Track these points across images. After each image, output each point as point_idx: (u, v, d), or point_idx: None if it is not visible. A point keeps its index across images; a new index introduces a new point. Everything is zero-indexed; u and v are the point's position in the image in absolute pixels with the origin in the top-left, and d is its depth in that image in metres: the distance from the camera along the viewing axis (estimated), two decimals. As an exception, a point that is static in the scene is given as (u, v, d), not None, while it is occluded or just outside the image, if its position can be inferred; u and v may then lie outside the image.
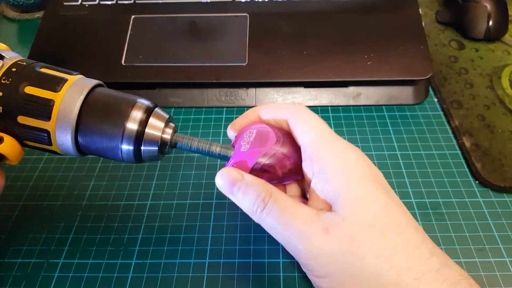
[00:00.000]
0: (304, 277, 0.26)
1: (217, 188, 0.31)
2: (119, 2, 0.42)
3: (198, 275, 0.26)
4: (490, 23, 0.43)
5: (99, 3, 0.42)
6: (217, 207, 0.30)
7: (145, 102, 0.22)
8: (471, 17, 0.43)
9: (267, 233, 0.28)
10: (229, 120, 0.37)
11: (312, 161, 0.22)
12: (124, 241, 0.28)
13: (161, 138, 0.22)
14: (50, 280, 0.26)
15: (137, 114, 0.21)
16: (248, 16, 0.40)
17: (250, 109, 0.26)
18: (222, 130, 0.36)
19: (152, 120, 0.22)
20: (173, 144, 0.23)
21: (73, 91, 0.21)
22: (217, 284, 0.26)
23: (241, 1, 0.41)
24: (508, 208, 0.29)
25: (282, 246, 0.27)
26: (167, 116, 0.23)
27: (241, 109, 0.38)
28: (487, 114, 0.36)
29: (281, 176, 0.24)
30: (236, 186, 0.23)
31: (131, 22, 0.40)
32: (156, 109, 0.23)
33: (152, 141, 0.22)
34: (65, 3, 0.42)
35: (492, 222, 0.28)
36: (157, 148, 0.22)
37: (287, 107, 0.25)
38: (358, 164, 0.22)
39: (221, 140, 0.35)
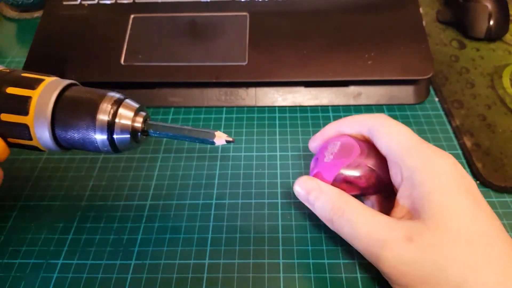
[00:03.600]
0: (304, 278, 0.26)
1: (216, 189, 0.31)
2: (118, 1, 0.42)
3: (197, 276, 0.26)
4: (491, 22, 0.42)
5: (98, 2, 0.42)
6: (217, 208, 0.30)
7: (115, 94, 0.24)
8: (472, 16, 0.43)
9: (266, 234, 0.28)
10: (229, 120, 0.37)
11: (401, 167, 0.22)
12: (123, 241, 0.28)
13: (132, 126, 0.24)
14: (49, 280, 0.26)
15: (107, 106, 0.23)
16: (248, 15, 0.40)
17: (331, 123, 0.27)
18: (222, 130, 0.36)
19: (121, 110, 0.23)
20: (145, 132, 0.24)
21: (48, 88, 0.23)
22: (216, 285, 0.25)
23: (241, 0, 0.41)
24: (509, 209, 0.29)
25: (281, 247, 0.27)
26: (137, 105, 0.24)
27: (241, 109, 0.38)
28: (488, 113, 0.36)
29: (365, 187, 0.24)
30: (311, 194, 0.23)
31: (130, 21, 0.40)
32: (126, 100, 0.24)
33: (123, 129, 0.23)
34: (64, 3, 0.42)
35: (493, 222, 0.28)
36: (129, 136, 0.24)
37: (368, 117, 0.25)
38: (448, 171, 0.21)
39: (221, 140, 0.35)
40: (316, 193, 0.23)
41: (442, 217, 0.20)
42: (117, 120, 0.23)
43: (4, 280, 0.26)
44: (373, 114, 0.25)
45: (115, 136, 0.23)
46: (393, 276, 0.21)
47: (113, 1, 0.42)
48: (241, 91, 0.38)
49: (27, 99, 0.23)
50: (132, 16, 0.40)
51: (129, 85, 0.38)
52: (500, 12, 0.43)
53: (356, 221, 0.22)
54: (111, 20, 0.40)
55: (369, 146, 0.25)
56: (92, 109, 0.23)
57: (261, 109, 0.38)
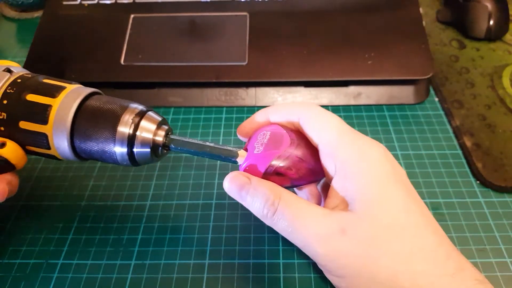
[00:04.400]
0: (304, 278, 0.26)
1: (217, 189, 0.31)
2: (118, 1, 0.42)
3: (197, 276, 0.26)
4: (491, 22, 0.42)
5: (98, 2, 0.42)
6: (217, 208, 0.30)
7: (138, 106, 0.23)
8: (472, 16, 0.43)
9: (267, 233, 0.28)
10: (229, 120, 0.37)
11: (333, 159, 0.22)
12: (123, 241, 0.28)
13: (153, 140, 0.23)
14: (49, 280, 0.26)
15: (129, 118, 0.22)
16: (248, 15, 0.40)
17: (259, 111, 0.26)
18: (222, 130, 0.36)
19: (143, 123, 0.22)
20: (166, 147, 0.23)
21: (69, 97, 0.22)
22: (216, 285, 0.25)
23: (241, 0, 0.41)
24: (509, 209, 0.29)
25: (281, 247, 0.27)
26: (159, 119, 0.23)
27: (241, 109, 0.38)
28: (488, 113, 0.36)
29: (296, 178, 0.24)
30: (244, 190, 0.22)
31: (130, 21, 0.40)
32: (149, 113, 0.23)
33: (144, 143, 0.23)
34: (64, 3, 0.42)
35: (493, 222, 0.28)
36: (149, 150, 0.23)
37: (298, 106, 0.24)
38: (380, 162, 0.21)
39: (220, 140, 0.35)
40: (247, 188, 0.22)
41: (374, 208, 0.20)
42: (138, 133, 0.22)
43: (4, 280, 0.26)
44: (302, 102, 0.24)
45: (135, 150, 0.22)
46: (329, 268, 0.21)
47: (113, 1, 0.42)
48: (241, 91, 0.38)
49: (47, 108, 0.22)
50: (132, 16, 0.40)
51: (129, 85, 0.38)
52: (500, 12, 0.43)
53: (290, 215, 0.21)
54: (111, 20, 0.40)
55: (299, 136, 0.24)
56: (113, 121, 0.22)
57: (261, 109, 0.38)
